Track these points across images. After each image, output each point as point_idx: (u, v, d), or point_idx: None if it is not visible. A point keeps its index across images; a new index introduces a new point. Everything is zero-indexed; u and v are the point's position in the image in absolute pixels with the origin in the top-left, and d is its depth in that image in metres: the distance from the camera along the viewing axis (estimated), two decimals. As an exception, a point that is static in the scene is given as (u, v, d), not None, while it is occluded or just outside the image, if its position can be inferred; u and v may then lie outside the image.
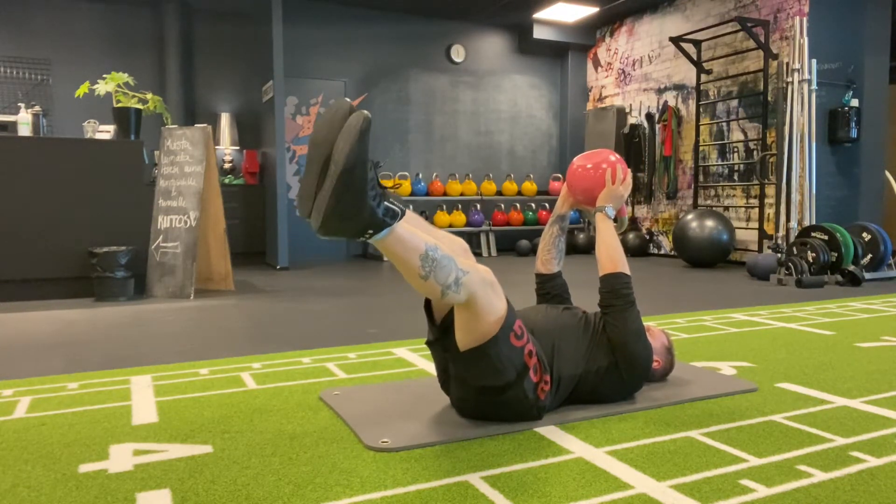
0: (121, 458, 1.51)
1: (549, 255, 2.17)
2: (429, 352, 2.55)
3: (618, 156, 2.07)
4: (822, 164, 5.83)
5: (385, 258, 7.07)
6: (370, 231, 1.38)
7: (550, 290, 2.16)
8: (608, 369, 1.81)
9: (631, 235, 7.35)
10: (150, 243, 4.41)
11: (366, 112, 1.34)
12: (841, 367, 2.34)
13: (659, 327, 2.06)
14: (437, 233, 1.72)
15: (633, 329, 1.83)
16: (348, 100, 1.40)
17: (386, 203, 1.39)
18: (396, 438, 1.58)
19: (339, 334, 3.03)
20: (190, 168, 4.48)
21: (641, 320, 1.87)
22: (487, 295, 1.54)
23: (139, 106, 4.50)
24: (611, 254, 1.91)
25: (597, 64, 8.37)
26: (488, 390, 1.63)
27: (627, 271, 1.90)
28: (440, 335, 1.67)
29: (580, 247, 7.74)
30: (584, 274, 5.51)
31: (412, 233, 1.47)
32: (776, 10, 5.96)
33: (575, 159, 2.11)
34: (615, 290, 1.86)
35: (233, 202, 6.64)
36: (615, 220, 2.04)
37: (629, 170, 2.05)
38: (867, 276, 4.91)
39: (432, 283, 1.47)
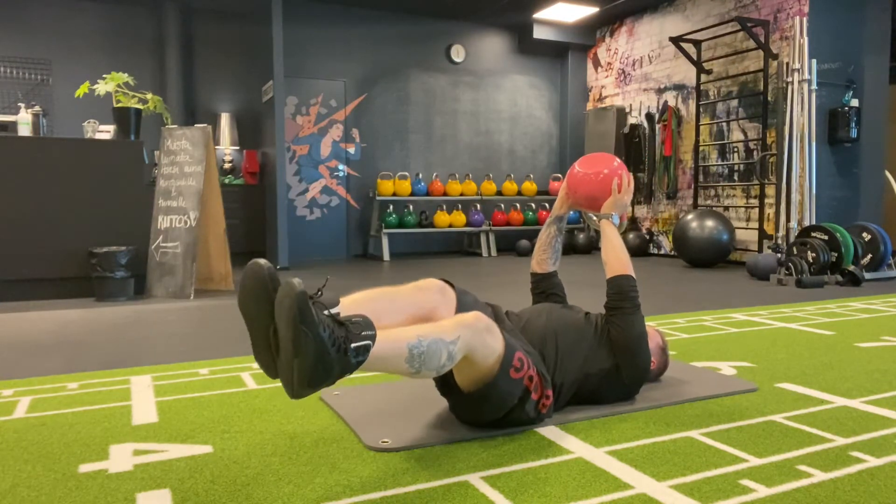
0: (121, 458, 1.51)
1: (545, 255, 2.16)
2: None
3: (619, 160, 2.06)
4: (822, 164, 5.83)
5: (386, 258, 7.07)
6: (348, 373, 1.33)
7: (545, 289, 2.16)
8: (610, 371, 1.82)
9: (631, 235, 7.35)
10: (150, 243, 4.41)
11: (294, 283, 1.24)
12: (841, 367, 2.34)
13: (654, 327, 2.06)
14: (407, 296, 1.65)
15: (638, 333, 1.83)
16: (261, 261, 1.31)
17: (353, 345, 1.31)
18: (396, 438, 1.58)
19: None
20: (190, 168, 4.48)
21: (645, 324, 1.87)
22: (483, 343, 1.52)
23: (139, 106, 4.50)
24: (619, 255, 1.92)
25: (597, 64, 8.37)
26: (490, 418, 1.65)
27: (634, 274, 1.91)
28: (440, 385, 1.72)
29: (580, 247, 7.74)
30: (584, 274, 5.51)
31: (390, 341, 1.40)
32: (776, 10, 5.96)
33: (576, 163, 2.10)
34: (624, 293, 1.86)
35: (233, 202, 6.64)
36: (620, 226, 2.05)
37: (631, 175, 2.05)
38: (867, 276, 4.91)
39: (425, 374, 1.46)
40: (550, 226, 2.17)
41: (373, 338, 1.35)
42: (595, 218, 2.04)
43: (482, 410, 1.63)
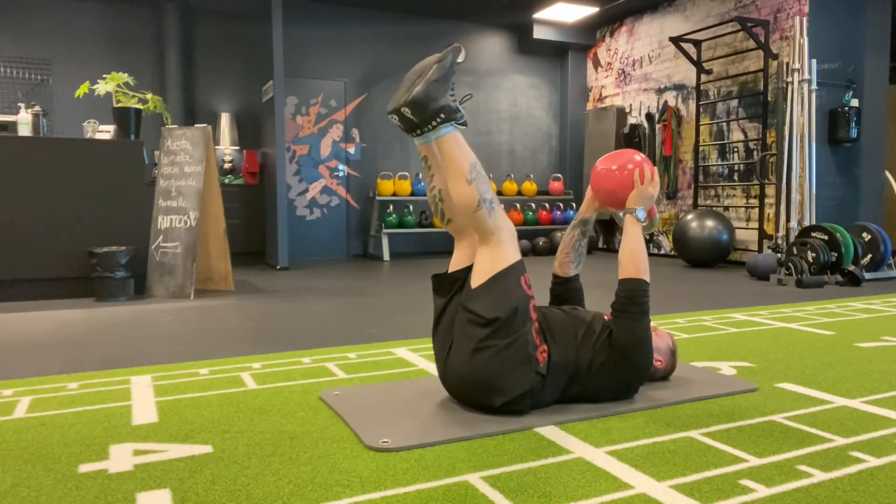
0: (121, 458, 1.51)
1: (567, 258, 2.14)
2: (429, 352, 2.55)
3: (643, 155, 2.00)
4: (822, 164, 5.83)
5: (386, 258, 7.07)
6: (441, 116, 1.67)
7: (563, 293, 2.14)
8: (604, 365, 1.80)
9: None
10: (150, 243, 4.41)
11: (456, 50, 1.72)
12: (841, 367, 2.34)
13: (665, 329, 2.05)
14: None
15: (640, 338, 1.81)
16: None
17: (458, 110, 1.71)
18: (396, 438, 1.58)
19: (339, 334, 3.03)
20: (190, 168, 4.48)
21: (650, 330, 1.85)
22: (511, 239, 1.72)
23: (139, 106, 4.50)
24: (635, 258, 1.86)
25: (597, 64, 8.37)
26: (496, 327, 1.65)
27: (648, 279, 1.85)
28: (449, 286, 1.79)
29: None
30: (584, 275, 5.51)
31: (466, 146, 1.74)
32: (776, 10, 5.96)
33: (598, 161, 2.06)
34: (633, 297, 1.82)
35: (233, 202, 6.64)
36: (646, 221, 1.97)
37: (655, 168, 2.00)
38: (867, 276, 4.91)
39: (475, 188, 1.69)
40: (574, 228, 2.13)
41: (464, 125, 1.76)
42: (621, 215, 1.97)
43: (491, 301, 1.67)
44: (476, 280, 1.70)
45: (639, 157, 1.99)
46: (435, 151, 1.76)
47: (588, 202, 2.11)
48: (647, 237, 7.41)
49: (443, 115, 1.68)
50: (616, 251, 7.83)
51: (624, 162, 1.98)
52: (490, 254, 1.70)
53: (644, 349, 1.82)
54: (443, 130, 1.70)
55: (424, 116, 1.67)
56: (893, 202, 6.42)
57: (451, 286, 1.80)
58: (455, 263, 1.82)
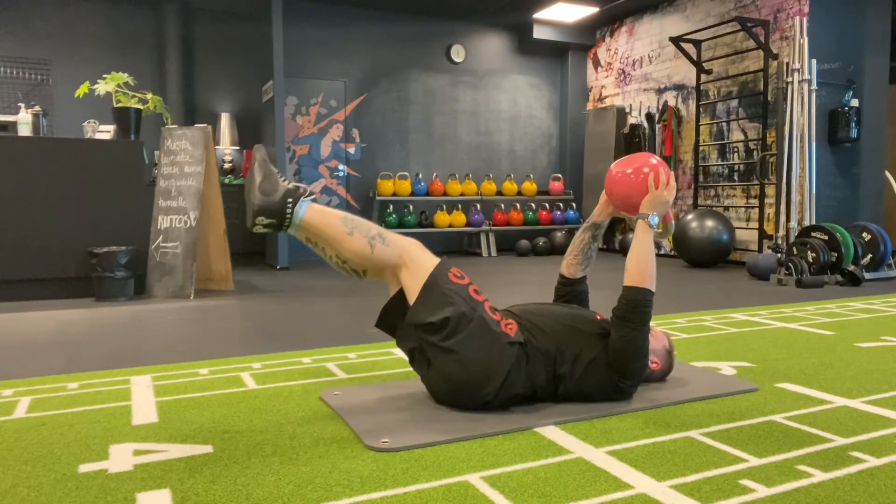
0: (121, 458, 1.51)
1: (575, 260, 2.13)
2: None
3: (659, 158, 1.94)
4: (822, 164, 5.83)
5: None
6: (289, 202, 1.75)
7: (567, 294, 2.13)
8: (594, 363, 1.80)
9: (631, 236, 7.35)
10: (150, 243, 4.41)
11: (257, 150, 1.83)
12: (841, 367, 2.34)
13: (661, 329, 2.05)
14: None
15: (638, 347, 1.80)
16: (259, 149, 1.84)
17: (301, 190, 1.78)
18: (396, 438, 1.58)
19: (339, 334, 3.03)
20: (190, 168, 4.48)
21: (648, 339, 1.83)
22: (419, 250, 1.81)
23: (139, 106, 4.50)
24: (642, 266, 1.80)
25: (597, 64, 8.37)
26: (451, 325, 1.69)
27: (653, 288, 1.81)
28: (391, 316, 1.85)
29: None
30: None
31: (327, 209, 1.81)
32: (776, 10, 5.96)
33: (613, 165, 1.99)
34: (636, 307, 1.78)
35: (233, 202, 6.63)
36: (660, 227, 1.92)
37: (672, 172, 1.92)
38: (867, 276, 4.91)
39: (358, 236, 1.76)
40: (585, 231, 2.12)
41: (313, 197, 1.82)
42: (634, 220, 1.90)
43: (434, 305, 1.71)
44: (411, 298, 1.76)
45: (655, 160, 1.92)
46: (309, 229, 1.79)
47: (601, 206, 2.08)
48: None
49: (290, 201, 1.76)
50: (616, 251, 7.83)
51: (639, 165, 1.91)
52: (409, 272, 1.78)
53: (639, 356, 1.81)
54: (300, 213, 1.77)
55: (277, 214, 1.75)
56: (893, 202, 6.43)
57: (391, 315, 1.85)
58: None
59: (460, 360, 1.70)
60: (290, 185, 1.78)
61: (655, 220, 1.86)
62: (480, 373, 1.71)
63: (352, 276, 1.87)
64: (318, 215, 1.78)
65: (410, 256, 1.79)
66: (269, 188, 1.76)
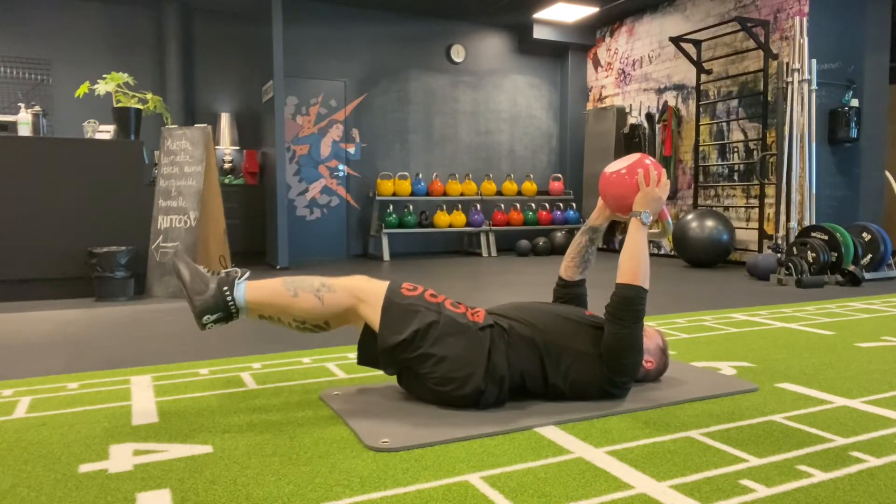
0: (121, 458, 1.51)
1: (573, 263, 2.13)
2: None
3: (653, 159, 1.94)
4: (822, 164, 5.83)
5: (386, 258, 7.06)
6: (226, 290, 1.75)
7: (566, 296, 2.14)
8: (582, 357, 1.80)
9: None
10: (150, 243, 4.41)
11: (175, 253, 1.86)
12: (841, 367, 2.34)
13: (655, 327, 2.04)
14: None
15: (631, 344, 1.79)
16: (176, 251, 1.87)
17: (228, 273, 1.79)
18: (396, 438, 1.58)
19: (338, 334, 3.03)
20: (190, 168, 4.48)
21: (642, 336, 1.82)
22: (365, 283, 1.82)
23: (139, 106, 4.50)
24: (634, 264, 1.80)
25: (597, 64, 8.37)
26: (420, 334, 1.72)
27: (647, 286, 1.80)
28: (369, 350, 1.84)
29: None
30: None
31: (265, 281, 1.81)
32: (776, 10, 5.96)
33: (606, 167, 2.00)
34: (629, 304, 1.78)
35: (233, 202, 6.64)
36: (655, 226, 1.91)
37: (664, 170, 1.91)
38: (867, 276, 4.91)
39: (304, 294, 1.77)
40: (582, 235, 2.12)
41: (244, 275, 1.81)
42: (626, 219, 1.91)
43: (399, 324, 1.74)
44: (376, 326, 1.78)
45: (648, 160, 1.92)
46: (255, 307, 1.79)
47: (598, 210, 2.08)
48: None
49: (226, 289, 1.76)
50: (616, 251, 7.83)
51: (630, 165, 1.92)
52: (367, 305, 1.79)
53: (633, 353, 1.80)
54: (240, 297, 1.77)
55: (220, 307, 1.76)
56: (893, 202, 6.42)
57: (367, 350, 1.85)
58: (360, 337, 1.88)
59: (441, 359, 1.73)
60: (221, 274, 1.78)
61: (648, 217, 1.86)
62: (463, 363, 1.73)
63: (318, 332, 1.86)
64: (259, 291, 1.78)
65: (361, 290, 1.80)
66: (200, 287, 1.76)
